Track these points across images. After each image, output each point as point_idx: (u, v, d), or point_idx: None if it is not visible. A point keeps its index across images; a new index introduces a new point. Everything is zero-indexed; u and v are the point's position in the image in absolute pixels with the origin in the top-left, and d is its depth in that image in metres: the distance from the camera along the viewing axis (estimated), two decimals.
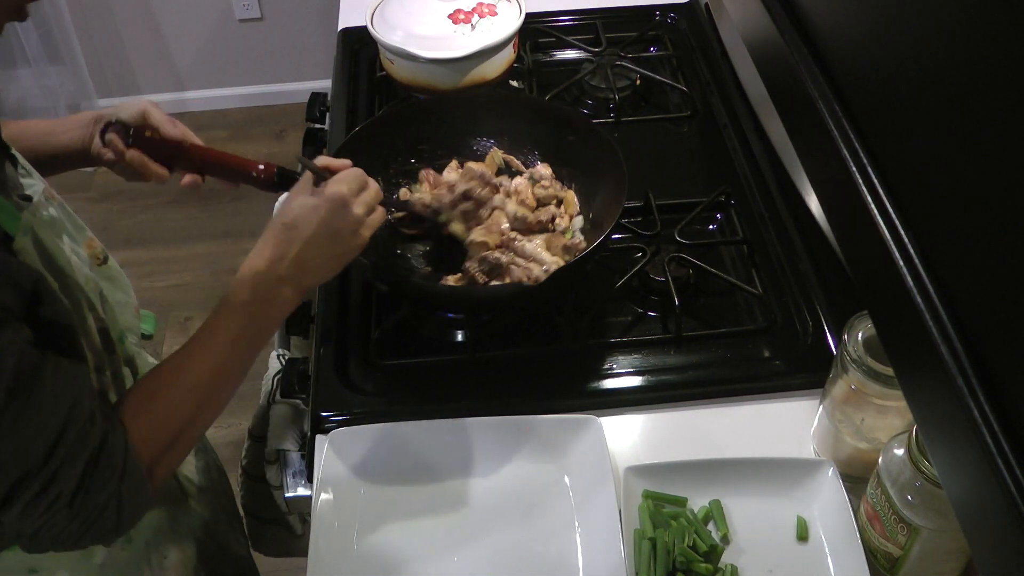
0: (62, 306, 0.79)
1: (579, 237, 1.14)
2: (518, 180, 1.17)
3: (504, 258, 1.08)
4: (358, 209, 0.92)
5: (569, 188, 1.19)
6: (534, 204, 1.16)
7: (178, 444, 0.86)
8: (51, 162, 1.02)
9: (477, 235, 1.10)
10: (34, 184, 0.90)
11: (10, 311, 0.72)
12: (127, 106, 1.04)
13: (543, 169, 1.19)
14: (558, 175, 1.20)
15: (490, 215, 1.13)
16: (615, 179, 1.12)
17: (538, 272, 1.06)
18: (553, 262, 1.07)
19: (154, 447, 0.82)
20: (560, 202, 1.18)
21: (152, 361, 1.08)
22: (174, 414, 0.85)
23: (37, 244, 0.81)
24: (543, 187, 1.17)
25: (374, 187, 0.96)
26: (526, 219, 1.13)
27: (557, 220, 1.15)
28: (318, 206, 0.90)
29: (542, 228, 1.14)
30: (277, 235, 0.90)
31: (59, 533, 0.76)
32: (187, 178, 1.05)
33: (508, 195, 1.16)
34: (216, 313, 0.88)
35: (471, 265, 1.08)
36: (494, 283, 1.07)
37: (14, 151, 0.87)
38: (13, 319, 0.72)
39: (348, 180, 0.93)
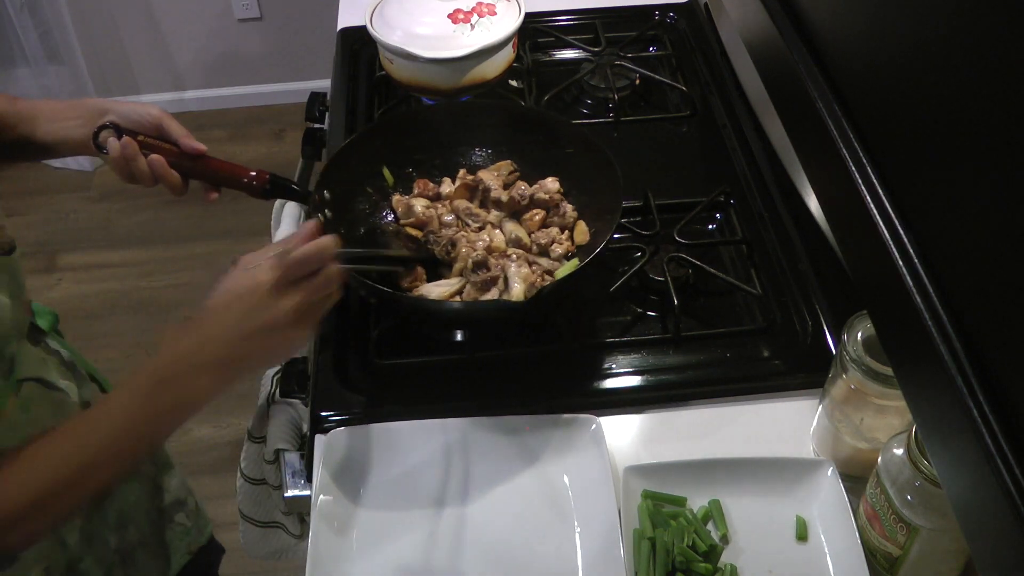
0: None
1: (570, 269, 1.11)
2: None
3: (495, 271, 1.08)
4: (286, 301, 0.82)
5: (574, 208, 1.17)
6: (536, 227, 1.16)
7: (41, 512, 0.79)
8: (56, 147, 1.03)
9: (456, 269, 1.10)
10: None
11: None
12: (138, 108, 1.03)
13: (551, 183, 1.18)
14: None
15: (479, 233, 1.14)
16: (610, 195, 1.10)
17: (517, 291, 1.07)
18: (519, 292, 1.06)
19: (7, 507, 0.76)
20: (564, 228, 1.16)
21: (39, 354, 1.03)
22: (37, 479, 0.78)
23: None
24: (544, 194, 1.17)
25: (331, 270, 0.85)
26: (521, 240, 1.13)
27: (555, 245, 1.13)
28: (240, 295, 0.82)
29: (541, 251, 1.13)
30: (203, 318, 0.83)
31: None
32: (212, 195, 1.05)
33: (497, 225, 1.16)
34: (119, 390, 0.82)
35: (466, 276, 1.08)
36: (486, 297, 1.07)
37: None
38: None
39: (282, 266, 0.82)
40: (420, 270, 1.11)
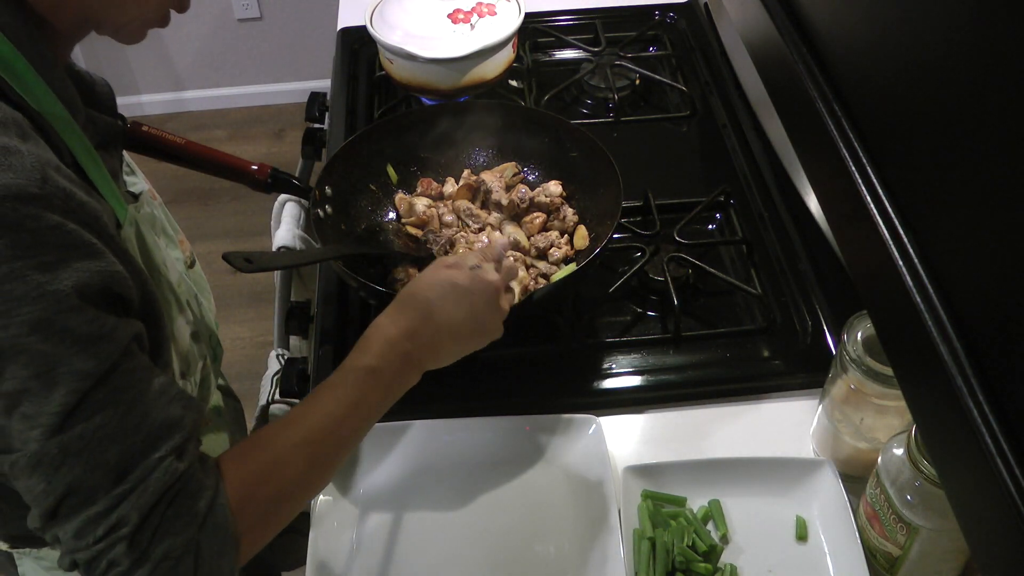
0: (157, 308, 0.76)
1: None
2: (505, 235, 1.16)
3: None
4: (505, 304, 0.88)
5: (575, 212, 1.16)
6: (536, 231, 1.16)
7: (276, 509, 0.74)
8: None
9: None
10: (138, 183, 0.90)
11: (130, 304, 0.69)
12: None
13: (553, 186, 1.18)
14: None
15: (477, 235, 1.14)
16: (611, 200, 1.10)
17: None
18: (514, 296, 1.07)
19: (250, 504, 0.71)
20: (564, 232, 1.16)
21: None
22: (278, 468, 0.74)
23: (139, 238, 0.81)
24: (545, 197, 1.16)
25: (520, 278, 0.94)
26: (520, 243, 1.13)
27: (553, 249, 1.12)
28: (471, 292, 0.85)
29: (539, 254, 1.13)
30: (419, 308, 0.83)
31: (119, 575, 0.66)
32: None
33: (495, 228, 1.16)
34: (338, 373, 0.81)
35: None
36: None
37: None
38: (130, 314, 0.69)
39: (503, 271, 0.90)
40: (413, 271, 1.10)
